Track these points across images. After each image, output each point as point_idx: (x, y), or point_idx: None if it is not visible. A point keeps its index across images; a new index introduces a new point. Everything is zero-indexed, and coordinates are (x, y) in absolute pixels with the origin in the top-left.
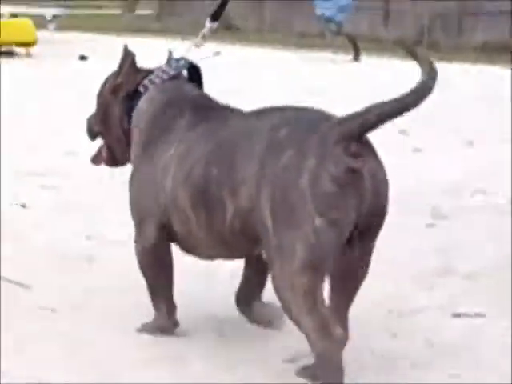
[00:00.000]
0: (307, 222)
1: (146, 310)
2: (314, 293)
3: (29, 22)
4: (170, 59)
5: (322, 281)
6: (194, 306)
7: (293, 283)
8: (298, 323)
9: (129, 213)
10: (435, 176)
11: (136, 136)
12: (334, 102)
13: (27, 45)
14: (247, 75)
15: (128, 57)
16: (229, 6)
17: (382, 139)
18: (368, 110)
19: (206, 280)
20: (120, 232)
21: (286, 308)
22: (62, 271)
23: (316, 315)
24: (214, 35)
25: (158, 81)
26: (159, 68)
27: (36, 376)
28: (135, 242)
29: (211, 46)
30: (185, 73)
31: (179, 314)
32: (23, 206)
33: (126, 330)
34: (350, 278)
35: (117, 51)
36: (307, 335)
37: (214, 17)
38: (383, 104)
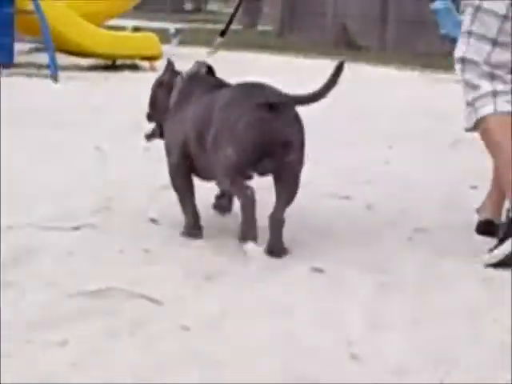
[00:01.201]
0: (227, 150)
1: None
2: (233, 181)
3: (153, 36)
4: (194, 63)
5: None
6: None
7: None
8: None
9: None
10: None
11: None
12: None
13: (152, 59)
14: (371, 95)
15: (169, 64)
16: (352, 25)
17: None
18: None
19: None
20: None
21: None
22: (194, 287)
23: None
24: (336, 53)
25: (184, 76)
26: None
27: None
28: (168, 166)
29: (333, 64)
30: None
31: None
32: (153, 220)
33: (261, 353)
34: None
35: (239, 66)
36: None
37: (222, 33)
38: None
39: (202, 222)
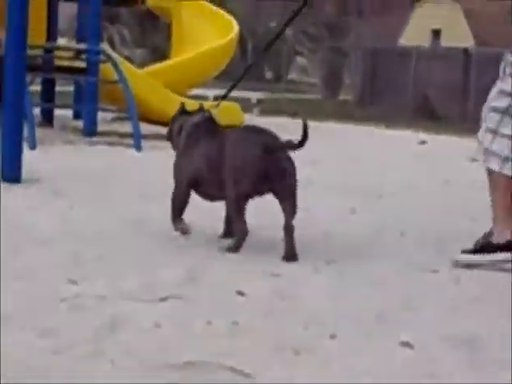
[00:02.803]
0: (237, 179)
1: None
2: (241, 209)
3: (235, 105)
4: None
5: (244, 203)
6: None
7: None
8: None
9: None
10: None
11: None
12: None
13: (234, 128)
14: (454, 166)
15: (181, 106)
16: (433, 96)
17: None
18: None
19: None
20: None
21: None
22: (284, 360)
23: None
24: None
25: (191, 122)
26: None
27: None
28: (174, 190)
29: (415, 135)
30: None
31: None
32: (240, 292)
33: None
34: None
35: (320, 137)
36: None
37: (223, 97)
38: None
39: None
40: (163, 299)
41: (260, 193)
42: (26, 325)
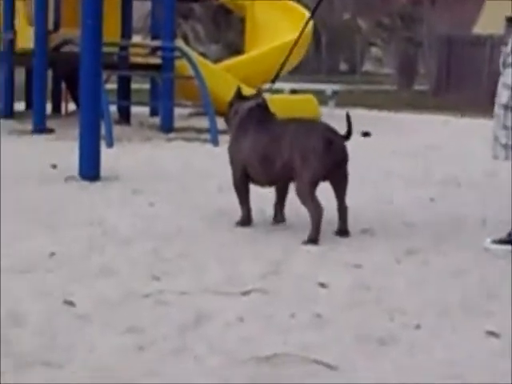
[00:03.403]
0: (310, 166)
1: None
2: (313, 192)
3: (312, 97)
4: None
5: (315, 187)
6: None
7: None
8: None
9: None
10: None
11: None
12: None
13: None
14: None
15: (237, 91)
16: None
17: None
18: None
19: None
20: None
21: (302, 199)
22: (368, 352)
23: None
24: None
25: (245, 106)
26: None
27: None
28: (232, 175)
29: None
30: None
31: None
32: (322, 284)
33: None
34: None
35: (396, 128)
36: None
37: (273, 80)
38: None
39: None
40: (245, 293)
41: (325, 178)
42: (110, 322)
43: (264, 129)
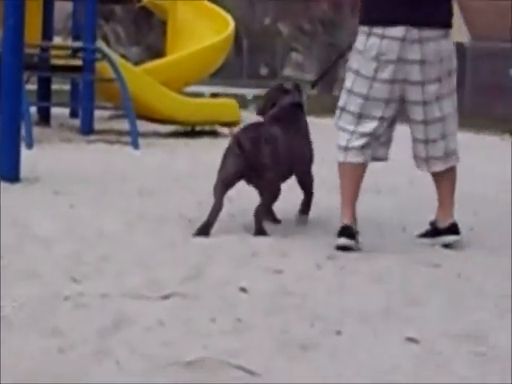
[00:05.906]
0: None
1: None
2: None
3: (233, 101)
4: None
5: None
6: None
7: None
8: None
9: None
10: None
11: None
12: None
13: (231, 124)
14: None
15: (279, 84)
16: None
17: None
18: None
19: None
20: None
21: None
22: (290, 357)
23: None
24: None
25: (283, 103)
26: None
27: None
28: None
29: None
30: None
31: None
32: (243, 289)
33: None
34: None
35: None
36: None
37: (313, 85)
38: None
39: None
40: (165, 297)
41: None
42: (30, 325)
43: (292, 126)
